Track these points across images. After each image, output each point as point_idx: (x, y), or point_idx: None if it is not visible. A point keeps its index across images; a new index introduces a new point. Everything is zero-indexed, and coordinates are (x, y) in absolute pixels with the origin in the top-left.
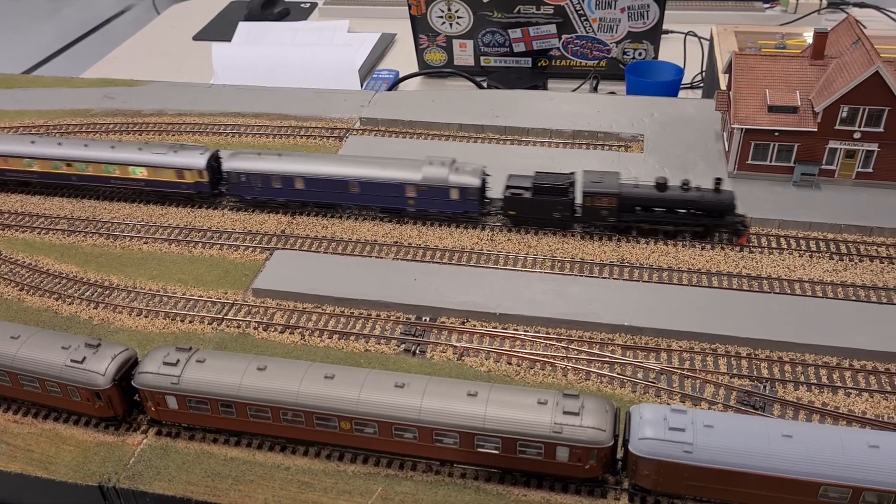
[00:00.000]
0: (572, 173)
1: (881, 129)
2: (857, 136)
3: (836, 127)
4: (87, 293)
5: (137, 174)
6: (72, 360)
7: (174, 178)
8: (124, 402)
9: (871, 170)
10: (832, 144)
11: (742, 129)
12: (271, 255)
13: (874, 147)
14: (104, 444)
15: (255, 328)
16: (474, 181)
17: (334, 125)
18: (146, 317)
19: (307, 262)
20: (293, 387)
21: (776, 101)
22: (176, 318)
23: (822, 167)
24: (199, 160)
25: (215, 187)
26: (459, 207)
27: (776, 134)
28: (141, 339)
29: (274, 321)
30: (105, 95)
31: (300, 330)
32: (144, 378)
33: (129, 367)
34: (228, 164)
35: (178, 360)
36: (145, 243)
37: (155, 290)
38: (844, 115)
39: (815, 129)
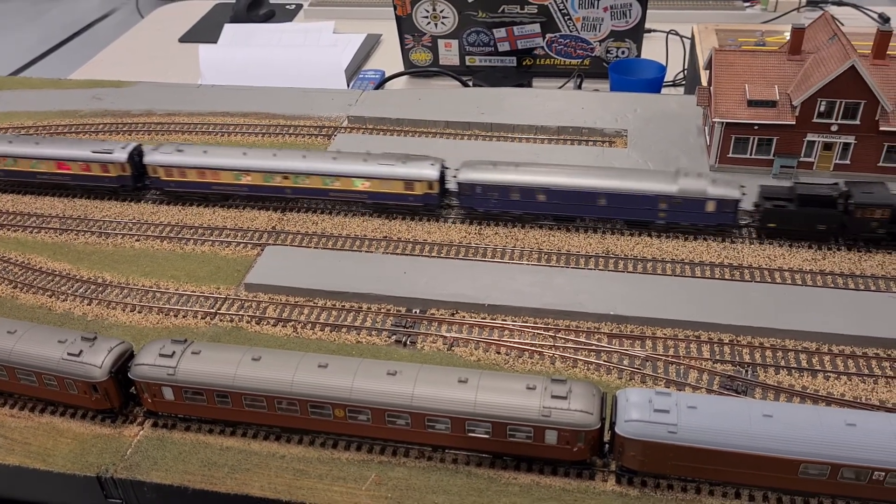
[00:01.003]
0: (836, 183)
1: (857, 122)
2: (834, 128)
3: (814, 120)
4: (81, 290)
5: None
6: (69, 354)
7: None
8: (121, 395)
9: (848, 161)
10: (810, 137)
11: (722, 123)
12: (263, 250)
13: (851, 139)
14: (101, 436)
15: (247, 322)
16: (734, 193)
17: (322, 124)
18: (140, 312)
19: (298, 257)
20: (287, 376)
21: (755, 95)
22: (169, 313)
23: (801, 159)
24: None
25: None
26: (714, 220)
27: (755, 128)
28: (135, 334)
29: (266, 315)
30: (93, 96)
31: (292, 323)
32: (141, 370)
33: (125, 360)
34: (464, 176)
35: (174, 352)
36: (137, 241)
37: (148, 286)
38: (822, 108)
39: (794, 123)
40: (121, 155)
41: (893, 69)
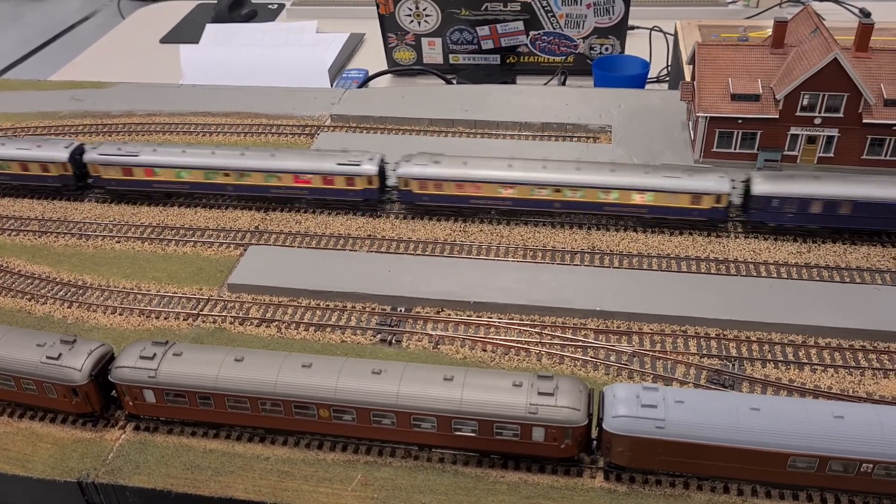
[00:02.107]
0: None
1: (841, 115)
2: (817, 121)
3: (797, 113)
4: (61, 293)
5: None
6: (47, 357)
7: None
8: (101, 398)
9: (832, 154)
10: (794, 131)
11: (706, 117)
12: (246, 250)
13: (834, 132)
14: (82, 440)
15: (230, 323)
16: None
17: (305, 122)
18: (121, 314)
19: (282, 257)
20: (271, 377)
21: (738, 89)
22: (151, 315)
23: (785, 153)
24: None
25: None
26: None
27: (739, 121)
28: (116, 336)
29: (250, 315)
30: (73, 97)
31: (276, 323)
32: (121, 373)
33: (105, 363)
34: (759, 188)
35: (155, 354)
36: (118, 242)
37: (129, 288)
38: (805, 101)
39: (777, 116)
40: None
41: (876, 62)
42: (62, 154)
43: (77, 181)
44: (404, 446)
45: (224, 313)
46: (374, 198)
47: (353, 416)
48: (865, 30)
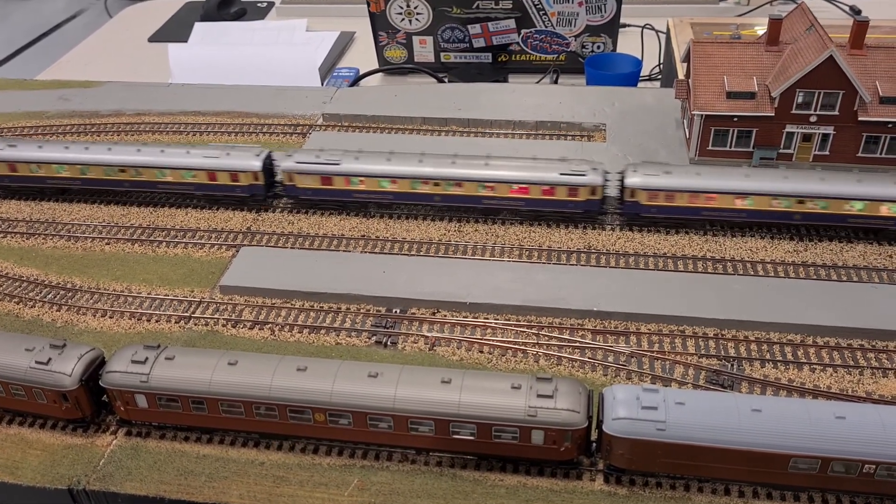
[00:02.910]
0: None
1: (836, 112)
2: (813, 119)
3: (793, 111)
4: (50, 296)
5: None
6: (36, 362)
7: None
8: (92, 403)
9: (827, 152)
10: (789, 129)
11: (702, 115)
12: (238, 251)
13: (830, 130)
14: (72, 446)
15: (223, 325)
16: None
17: (297, 122)
18: (111, 317)
19: (274, 258)
20: (265, 380)
21: (734, 87)
22: (142, 317)
23: (780, 151)
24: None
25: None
26: None
27: (735, 119)
28: (106, 339)
29: (243, 317)
30: (60, 97)
31: (270, 325)
32: (112, 377)
33: (96, 367)
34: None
35: (147, 358)
36: (107, 244)
37: (119, 290)
38: (800, 99)
39: (773, 114)
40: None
41: (871, 59)
42: (254, 163)
43: (266, 190)
44: (401, 450)
45: (216, 315)
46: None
47: (350, 419)
48: (860, 27)
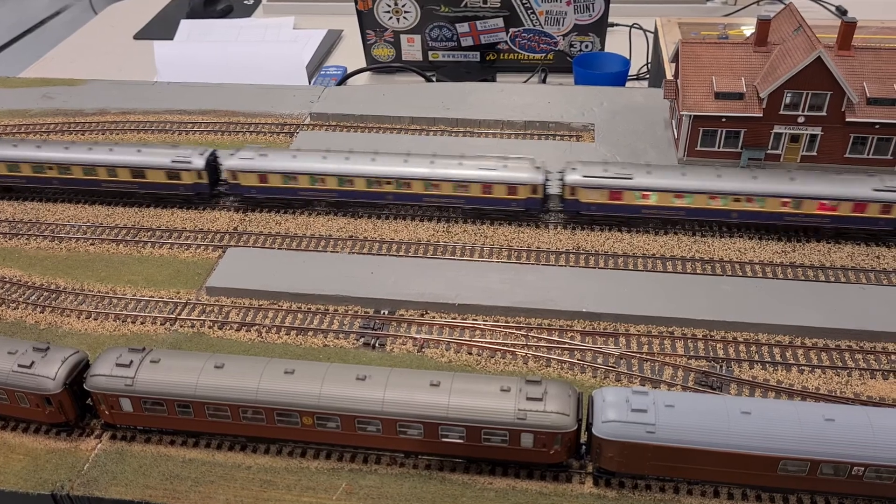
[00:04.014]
0: None
1: (824, 113)
2: (801, 120)
3: (781, 112)
4: (33, 297)
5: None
6: (19, 366)
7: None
8: (76, 407)
9: (815, 153)
10: (777, 129)
11: (690, 115)
12: (224, 252)
13: (818, 131)
14: (56, 451)
15: (209, 327)
16: None
17: (284, 121)
18: (95, 319)
19: (262, 259)
20: (252, 384)
21: (722, 87)
22: (127, 319)
23: (769, 151)
24: None
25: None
26: None
27: (723, 120)
28: (91, 342)
29: (229, 319)
30: (44, 95)
31: (257, 327)
32: (96, 381)
33: (80, 371)
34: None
35: (132, 361)
36: (92, 244)
37: (104, 292)
38: (788, 100)
39: (761, 115)
40: None
41: (858, 60)
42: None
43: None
44: (390, 453)
45: (203, 317)
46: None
47: (338, 423)
48: (848, 28)
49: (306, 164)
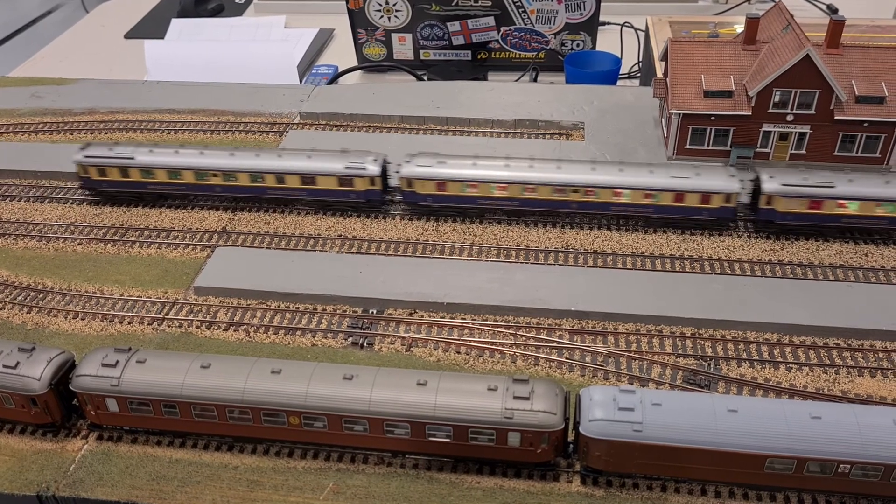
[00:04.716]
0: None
1: (813, 112)
2: (789, 118)
3: (770, 110)
4: (20, 297)
5: None
6: (4, 366)
7: None
8: (62, 408)
9: (804, 151)
10: (766, 127)
11: (680, 114)
12: (213, 252)
13: (806, 129)
14: (42, 451)
15: (197, 327)
16: None
17: (274, 120)
18: (83, 319)
19: (250, 258)
20: (239, 384)
21: (711, 86)
22: (114, 319)
23: (757, 150)
24: None
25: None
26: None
27: (712, 118)
28: (78, 342)
29: (217, 319)
30: (33, 94)
31: (245, 327)
32: (82, 381)
33: (66, 371)
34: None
35: (118, 362)
36: (79, 244)
37: (91, 291)
38: (777, 98)
39: (750, 113)
40: None
41: (847, 58)
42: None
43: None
44: (377, 453)
45: (191, 317)
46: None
47: (325, 422)
48: (837, 26)
49: (488, 173)
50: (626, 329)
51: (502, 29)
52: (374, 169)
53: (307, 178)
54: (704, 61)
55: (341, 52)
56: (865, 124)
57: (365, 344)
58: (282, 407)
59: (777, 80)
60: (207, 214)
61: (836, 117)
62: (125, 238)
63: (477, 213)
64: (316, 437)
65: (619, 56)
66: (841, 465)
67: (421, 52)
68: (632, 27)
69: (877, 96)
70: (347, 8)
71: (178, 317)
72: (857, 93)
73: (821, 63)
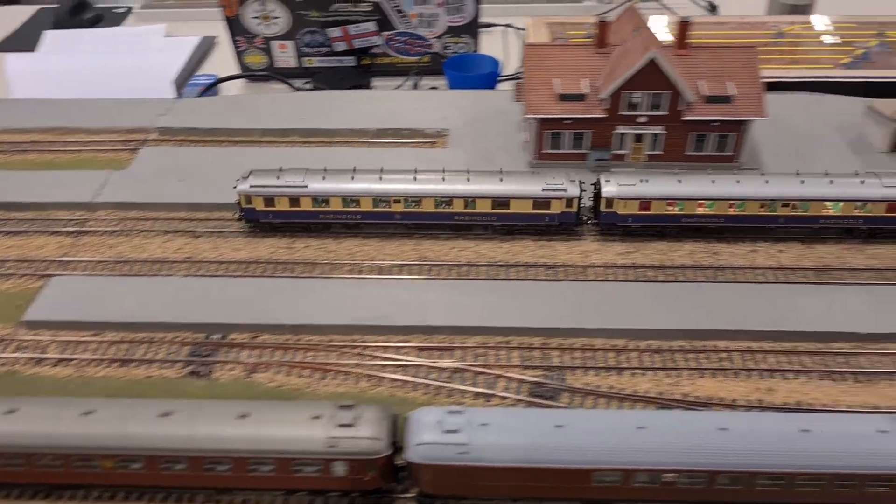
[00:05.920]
0: None
1: (665, 113)
2: (642, 120)
3: (622, 112)
4: None
5: None
6: None
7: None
8: None
9: (660, 152)
10: (620, 130)
11: (536, 118)
12: (48, 282)
13: (660, 130)
14: None
15: (24, 364)
16: None
17: (128, 137)
18: None
19: (89, 287)
20: (45, 428)
21: (564, 89)
22: None
23: (615, 152)
24: None
25: None
26: None
27: (566, 122)
28: None
29: (46, 354)
30: None
31: (75, 361)
32: None
33: None
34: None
35: None
36: None
37: None
38: (629, 100)
39: (604, 116)
40: None
41: (695, 59)
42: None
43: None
44: (202, 491)
45: (17, 354)
46: None
47: (142, 464)
48: (683, 26)
49: (698, 189)
50: (475, 342)
51: (384, 34)
52: (573, 190)
53: (500, 201)
54: (559, 65)
55: (224, 61)
56: (714, 124)
57: (203, 372)
58: (93, 450)
59: (627, 82)
60: (47, 240)
61: (684, 118)
62: None
63: (322, 227)
64: (133, 479)
65: (502, 58)
66: (666, 475)
67: (303, 59)
68: (514, 28)
69: (723, 96)
70: (224, 15)
71: (4, 354)
72: (703, 93)
73: (667, 65)
